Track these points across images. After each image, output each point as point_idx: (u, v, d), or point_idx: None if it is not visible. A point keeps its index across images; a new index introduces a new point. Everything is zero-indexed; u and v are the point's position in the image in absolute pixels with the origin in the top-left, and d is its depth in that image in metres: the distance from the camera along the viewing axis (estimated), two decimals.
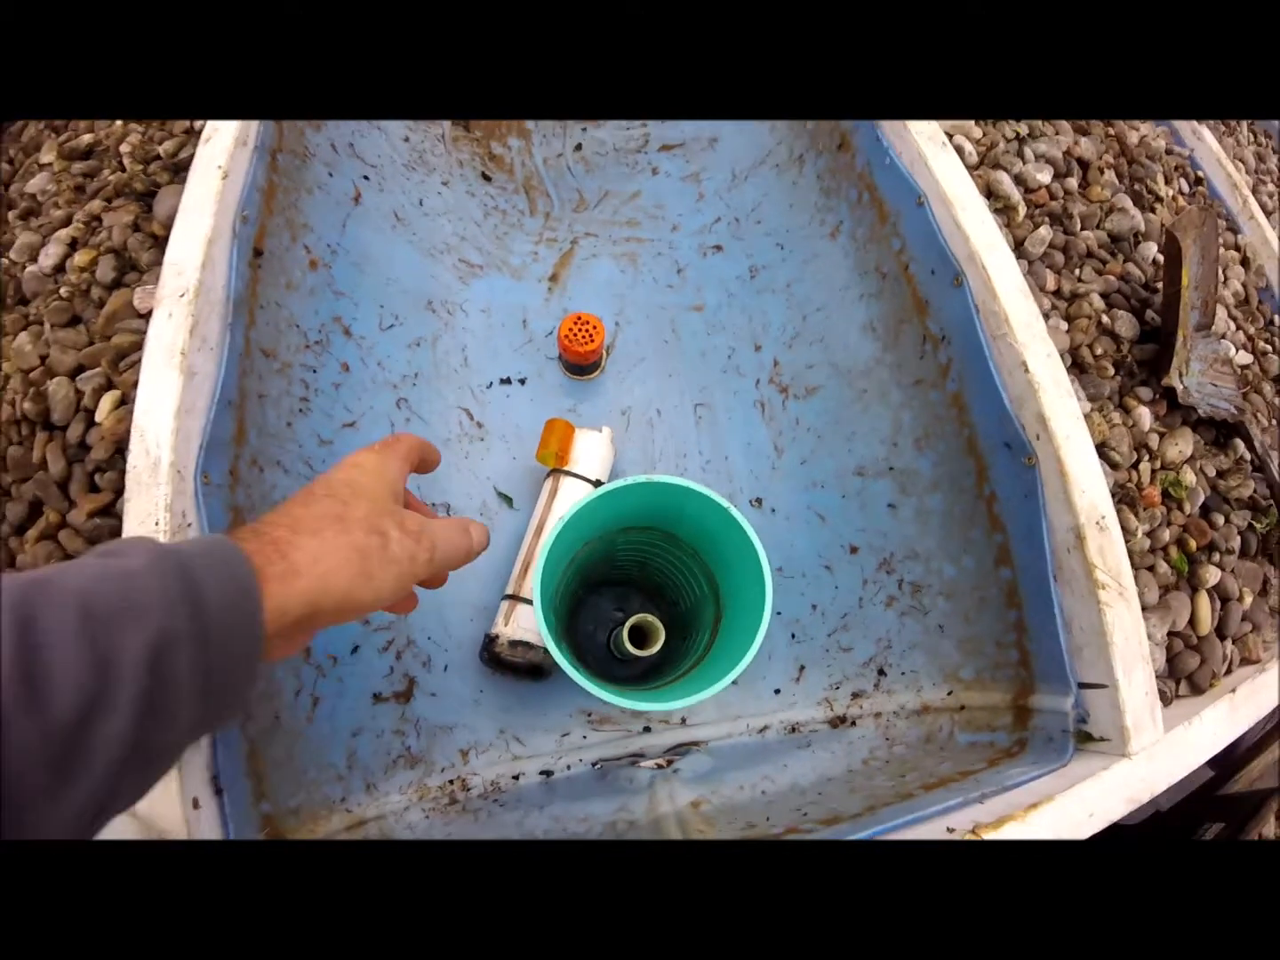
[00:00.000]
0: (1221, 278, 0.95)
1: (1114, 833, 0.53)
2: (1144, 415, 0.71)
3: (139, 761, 0.25)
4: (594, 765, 0.71)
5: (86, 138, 0.89)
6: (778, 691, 0.76)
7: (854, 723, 0.72)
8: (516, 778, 0.70)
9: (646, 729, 0.75)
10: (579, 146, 1.11)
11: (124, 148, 0.83)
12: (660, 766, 0.70)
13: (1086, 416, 0.65)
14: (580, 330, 0.83)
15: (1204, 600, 0.68)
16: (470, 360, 0.87)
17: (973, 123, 0.84)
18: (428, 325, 0.87)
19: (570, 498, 0.74)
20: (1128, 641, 0.57)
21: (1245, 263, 1.01)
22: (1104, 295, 0.78)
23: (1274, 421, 0.85)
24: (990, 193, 0.77)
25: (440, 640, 0.74)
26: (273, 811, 0.55)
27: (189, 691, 0.26)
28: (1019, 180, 0.81)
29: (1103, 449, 0.67)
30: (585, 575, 0.79)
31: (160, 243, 0.72)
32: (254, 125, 0.74)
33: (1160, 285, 0.80)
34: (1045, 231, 0.76)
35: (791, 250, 0.89)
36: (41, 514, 0.62)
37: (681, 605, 0.77)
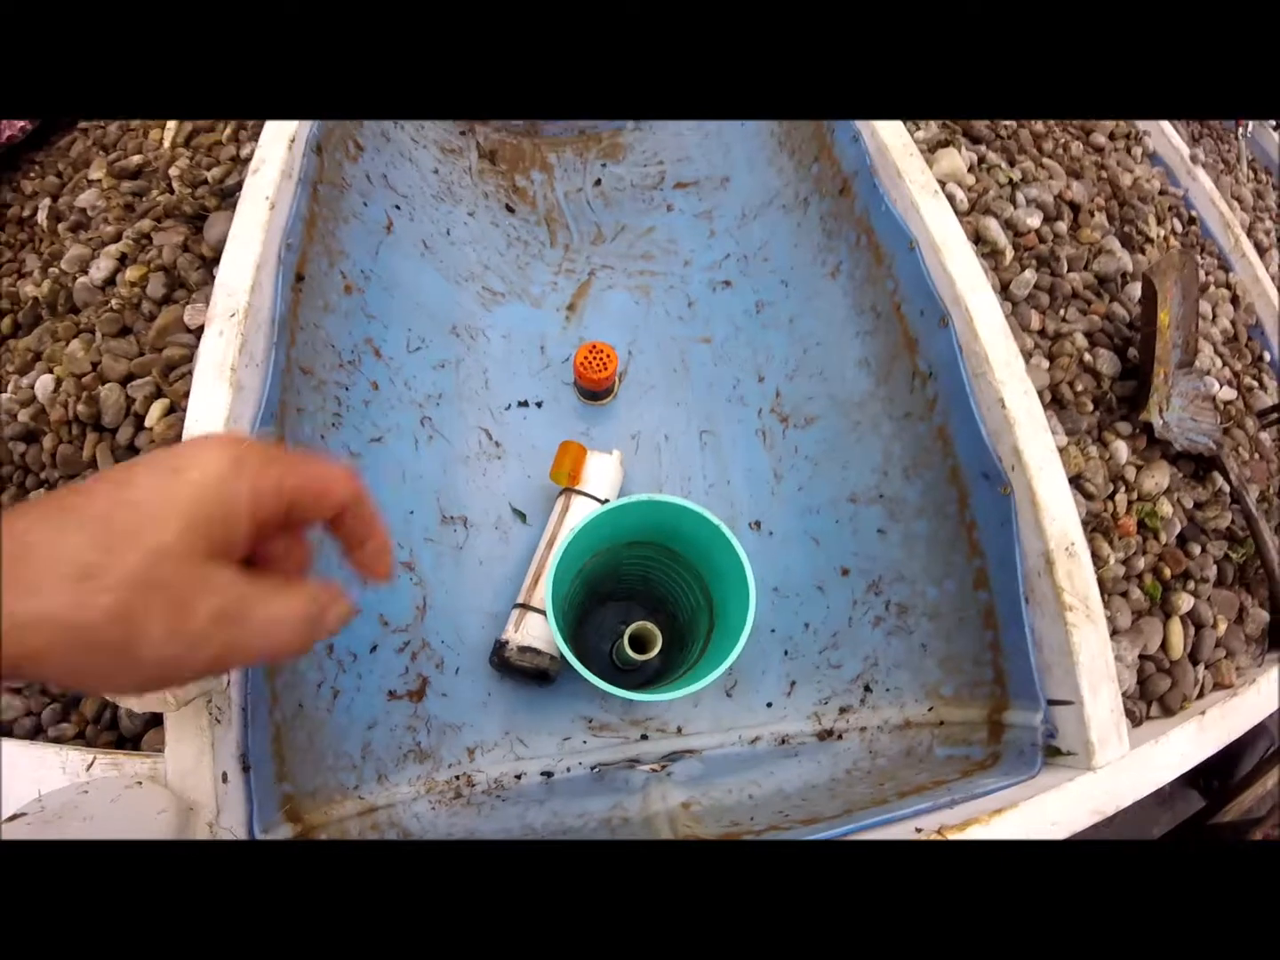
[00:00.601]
0: (1211, 315, 0.99)
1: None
2: (1121, 449, 0.75)
3: None
4: (592, 769, 0.76)
5: (135, 159, 0.97)
6: (770, 705, 0.80)
7: (840, 736, 0.76)
8: (519, 777, 0.74)
9: (644, 737, 0.79)
10: (598, 181, 1.17)
11: (173, 171, 0.91)
12: (655, 770, 0.74)
13: (1062, 450, 0.70)
14: (595, 358, 0.89)
15: (1176, 626, 0.72)
16: (491, 383, 0.93)
17: (966, 169, 0.89)
18: (452, 348, 0.93)
19: (580, 515, 0.79)
20: (1094, 661, 0.60)
21: (1235, 300, 1.05)
22: (1087, 334, 0.82)
23: (1256, 455, 0.89)
24: (978, 238, 0.82)
25: (453, 644, 0.78)
26: (293, 791, 0.60)
27: None
28: (1009, 225, 0.87)
29: (1077, 480, 0.71)
30: (593, 587, 0.83)
31: (208, 264, 0.79)
32: (298, 158, 0.80)
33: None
34: (1030, 275, 0.81)
35: (795, 287, 0.95)
36: None
37: (680, 618, 0.82)
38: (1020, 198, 0.90)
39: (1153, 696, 0.69)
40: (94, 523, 0.21)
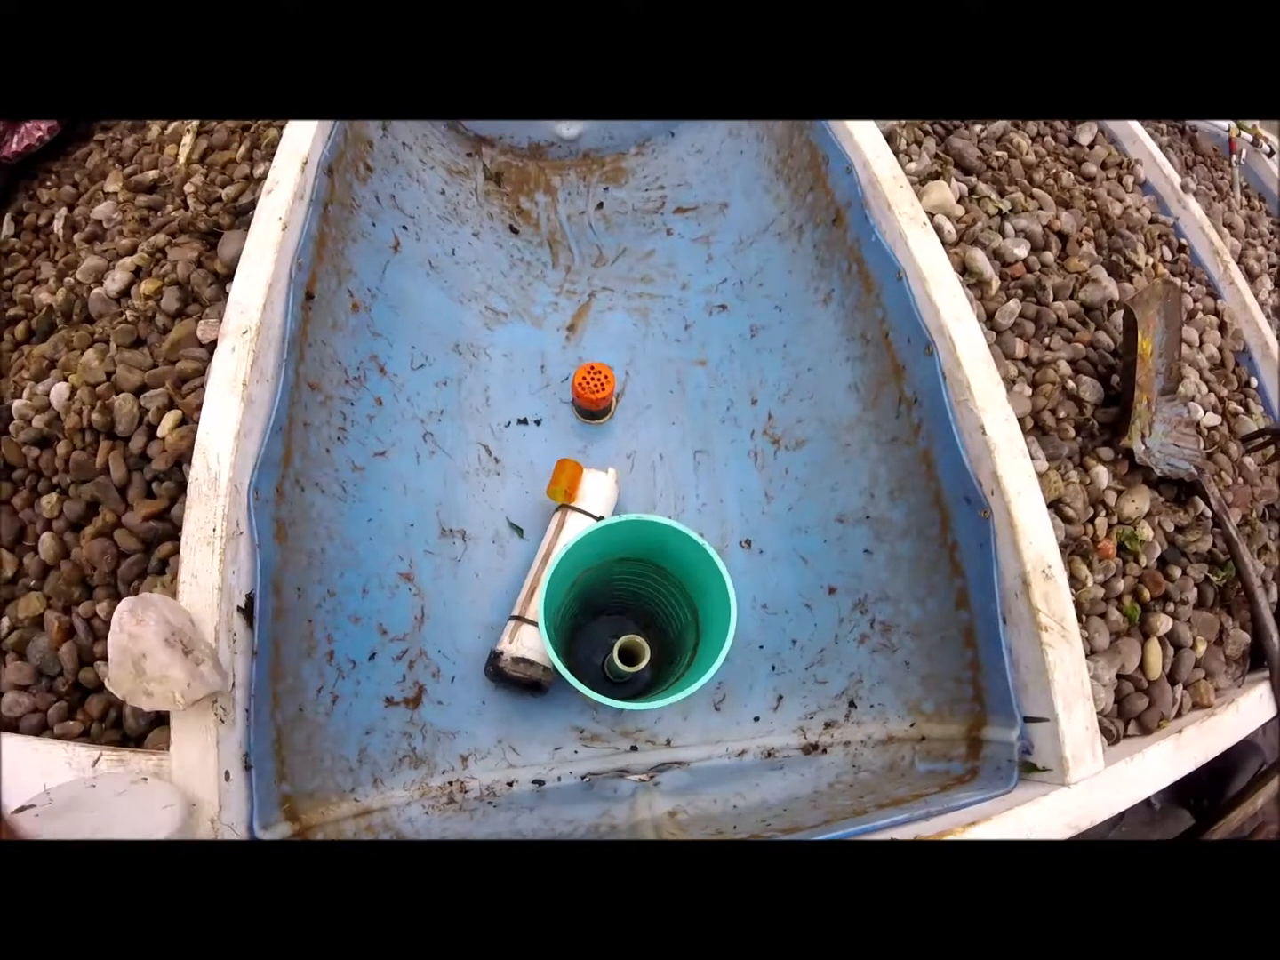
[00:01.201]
0: (1198, 341, 1.01)
1: None
2: (1101, 474, 0.78)
3: None
4: (583, 778, 0.77)
5: (151, 174, 1.00)
6: (757, 719, 0.82)
7: (825, 750, 0.78)
8: (511, 784, 0.76)
9: (634, 748, 0.81)
10: (601, 204, 1.20)
11: (188, 187, 0.94)
12: (644, 780, 0.76)
13: (1042, 475, 0.72)
14: (593, 379, 0.91)
15: (1154, 647, 0.74)
16: (491, 400, 0.96)
17: (955, 200, 0.92)
18: (454, 366, 0.96)
19: (576, 531, 0.81)
20: (1069, 679, 0.62)
21: (1223, 327, 1.06)
22: (1071, 362, 0.85)
23: (1240, 479, 0.90)
24: (965, 269, 0.85)
25: (450, 654, 0.80)
26: (292, 791, 0.62)
27: None
28: (996, 255, 0.89)
29: (1057, 505, 0.73)
30: (586, 600, 0.86)
31: (221, 280, 0.82)
32: (310, 179, 0.83)
33: None
34: (1015, 304, 0.84)
35: (788, 313, 0.97)
36: (98, 513, 0.70)
37: (670, 633, 0.84)
38: (1009, 228, 0.93)
39: (1130, 715, 0.71)
40: None
